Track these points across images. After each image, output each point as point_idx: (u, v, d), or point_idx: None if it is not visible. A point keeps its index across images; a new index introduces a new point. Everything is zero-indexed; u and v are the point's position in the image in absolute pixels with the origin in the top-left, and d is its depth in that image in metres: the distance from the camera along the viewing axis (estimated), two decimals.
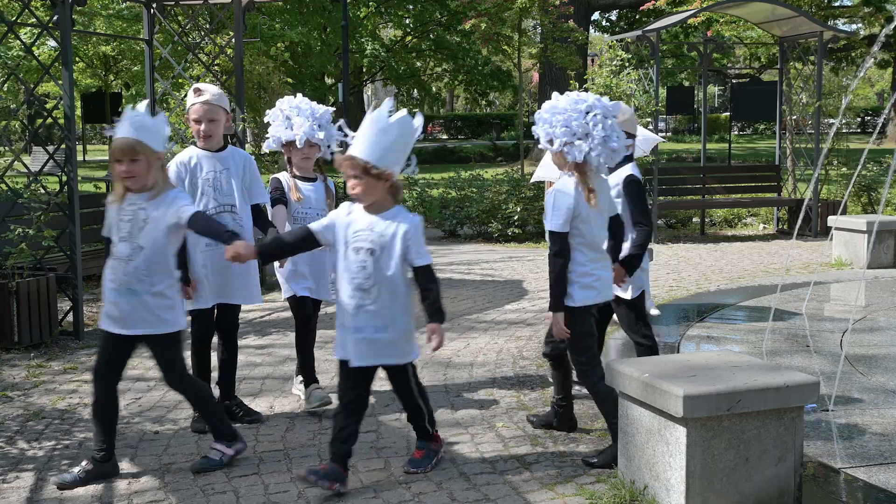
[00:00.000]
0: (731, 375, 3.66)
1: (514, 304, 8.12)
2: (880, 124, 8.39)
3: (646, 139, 7.55)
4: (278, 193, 5.04)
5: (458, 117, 49.56)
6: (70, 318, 6.92)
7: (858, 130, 38.35)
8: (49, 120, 7.56)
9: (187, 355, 4.35)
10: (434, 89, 43.53)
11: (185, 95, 5.63)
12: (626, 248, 4.70)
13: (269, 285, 8.71)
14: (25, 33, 22.01)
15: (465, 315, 7.65)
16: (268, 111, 5.17)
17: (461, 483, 4.03)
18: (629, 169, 4.79)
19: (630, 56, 12.55)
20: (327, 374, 5.51)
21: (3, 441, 4.64)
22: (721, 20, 20.42)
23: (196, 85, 4.88)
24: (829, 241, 10.45)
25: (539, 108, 4.40)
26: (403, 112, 3.84)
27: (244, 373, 5.72)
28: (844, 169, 13.76)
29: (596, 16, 33.39)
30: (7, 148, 7.40)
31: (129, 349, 4.09)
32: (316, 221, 4.08)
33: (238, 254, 3.87)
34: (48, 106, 8.17)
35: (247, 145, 10.86)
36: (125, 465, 4.26)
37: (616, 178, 4.74)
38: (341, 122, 4.88)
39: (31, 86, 7.61)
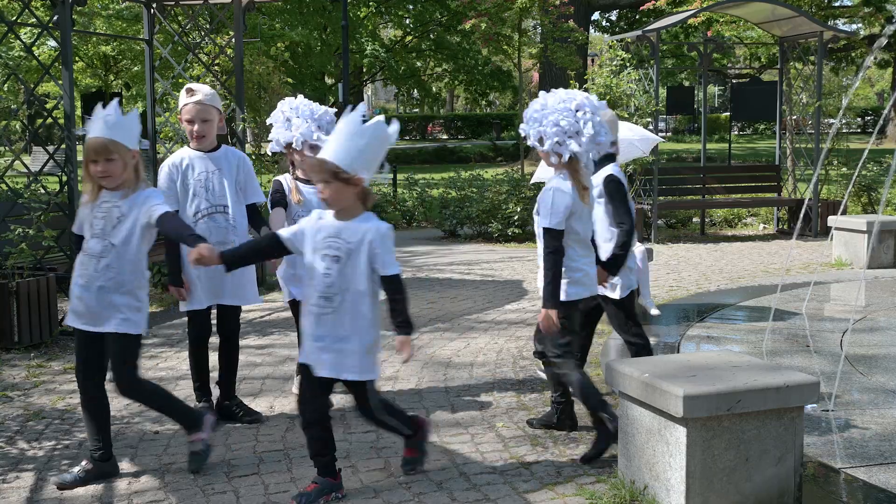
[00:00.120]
0: (731, 375, 3.66)
1: (514, 304, 8.12)
2: (880, 124, 8.38)
3: (645, 139, 7.56)
4: (279, 196, 5.02)
5: (458, 117, 49.56)
6: None
7: (858, 130, 38.35)
8: (49, 120, 7.57)
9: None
10: (434, 89, 43.52)
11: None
12: (609, 248, 4.76)
13: (268, 285, 8.72)
14: (25, 33, 22.01)
15: (465, 315, 7.65)
16: (273, 114, 5.15)
17: (461, 483, 4.03)
18: (610, 169, 4.86)
19: (630, 56, 12.55)
20: None
21: (3, 441, 4.64)
22: (721, 20, 20.42)
23: (188, 85, 4.86)
24: (829, 241, 10.45)
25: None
26: (380, 118, 3.79)
27: (244, 373, 5.72)
28: (844, 169, 13.76)
29: (596, 16, 33.40)
30: (7, 148, 7.41)
31: (102, 345, 4.04)
32: (286, 229, 3.95)
33: (201, 256, 3.74)
34: (48, 106, 8.17)
35: (247, 145, 10.86)
36: (125, 465, 4.26)
37: (597, 179, 4.78)
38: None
39: (32, 86, 7.61)
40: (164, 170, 4.82)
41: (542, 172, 5.80)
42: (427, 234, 13.75)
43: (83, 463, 4.11)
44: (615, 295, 4.90)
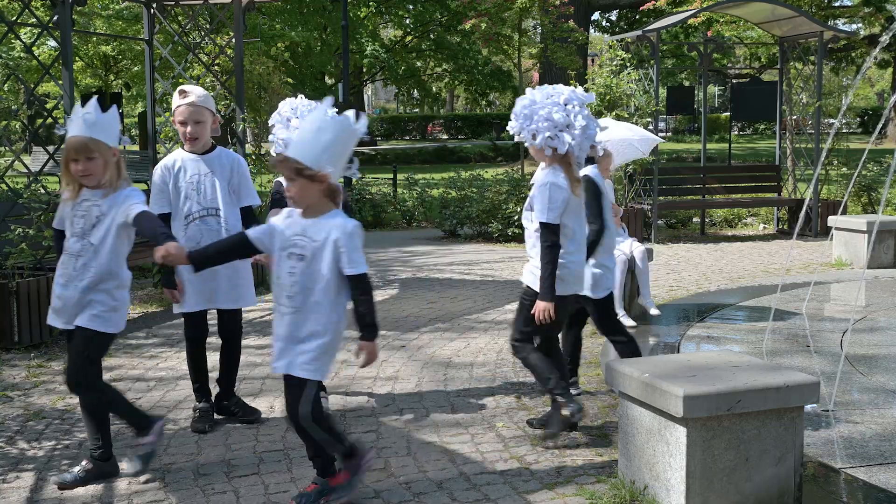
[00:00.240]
0: (731, 375, 3.66)
1: (515, 304, 8.09)
2: (880, 124, 8.37)
3: (645, 140, 7.56)
4: (278, 196, 5.01)
5: (458, 117, 49.55)
6: None
7: (859, 130, 38.35)
8: (49, 120, 7.56)
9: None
10: (434, 89, 43.52)
11: None
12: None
13: (269, 286, 8.72)
14: (25, 33, 22.01)
15: (465, 315, 7.65)
16: (273, 115, 5.13)
17: (461, 483, 4.03)
18: (588, 171, 4.99)
19: (630, 56, 12.55)
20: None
21: (3, 441, 4.64)
22: (721, 20, 20.43)
23: (181, 87, 4.83)
24: (829, 241, 10.45)
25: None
26: (347, 113, 3.73)
27: (244, 373, 5.72)
28: (844, 169, 13.76)
29: (596, 16, 33.42)
30: (7, 148, 7.41)
31: None
32: (255, 228, 3.85)
33: (168, 254, 3.66)
34: (48, 106, 8.17)
35: (247, 145, 10.86)
36: (125, 466, 4.25)
37: None
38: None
39: (32, 86, 7.61)
40: (156, 172, 4.80)
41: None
42: (427, 234, 13.75)
43: (83, 463, 4.11)
44: (594, 295, 4.93)
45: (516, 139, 4.52)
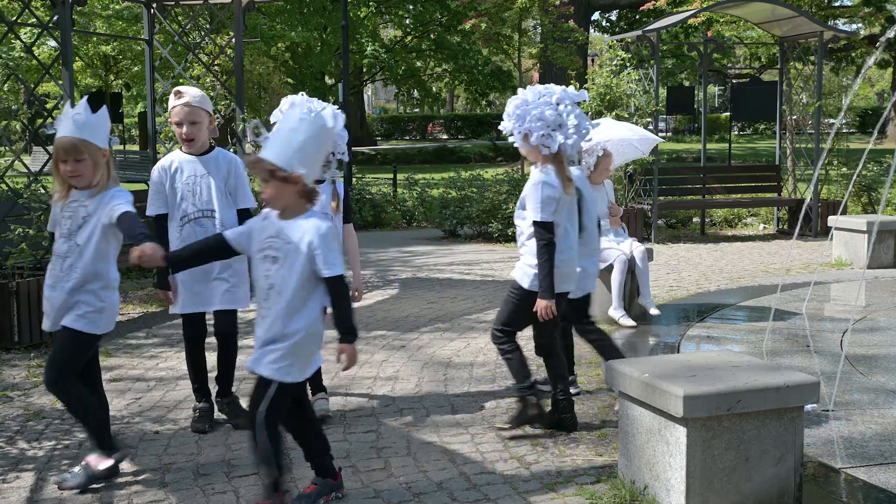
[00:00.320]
0: (731, 375, 3.66)
1: None
2: (880, 124, 8.37)
3: (645, 140, 7.55)
4: None
5: (458, 117, 49.57)
6: None
7: (854, 130, 38.34)
8: (49, 120, 7.56)
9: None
10: (434, 89, 43.52)
11: None
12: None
13: None
14: (25, 33, 22.01)
15: (465, 315, 7.65)
16: (275, 112, 5.12)
17: (461, 483, 4.03)
18: (572, 171, 4.99)
19: (630, 56, 12.55)
20: (328, 375, 5.50)
21: (3, 441, 4.64)
22: (721, 20, 20.43)
23: (177, 87, 4.82)
24: (829, 241, 10.45)
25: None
26: (326, 111, 3.67)
27: (245, 373, 5.71)
28: (844, 169, 13.76)
29: (596, 16, 33.43)
30: (7, 148, 7.41)
31: None
32: (233, 230, 3.81)
33: (143, 254, 3.60)
34: (48, 106, 8.17)
35: (247, 145, 10.85)
36: (125, 465, 4.25)
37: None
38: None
39: (32, 86, 7.61)
40: (154, 172, 4.79)
41: None
42: (427, 234, 13.75)
43: (83, 463, 4.10)
44: (572, 295, 4.96)
45: (509, 140, 4.59)
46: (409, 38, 36.65)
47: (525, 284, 4.56)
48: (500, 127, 4.61)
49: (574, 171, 5.03)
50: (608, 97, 12.07)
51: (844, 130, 13.91)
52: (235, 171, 4.81)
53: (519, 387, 4.64)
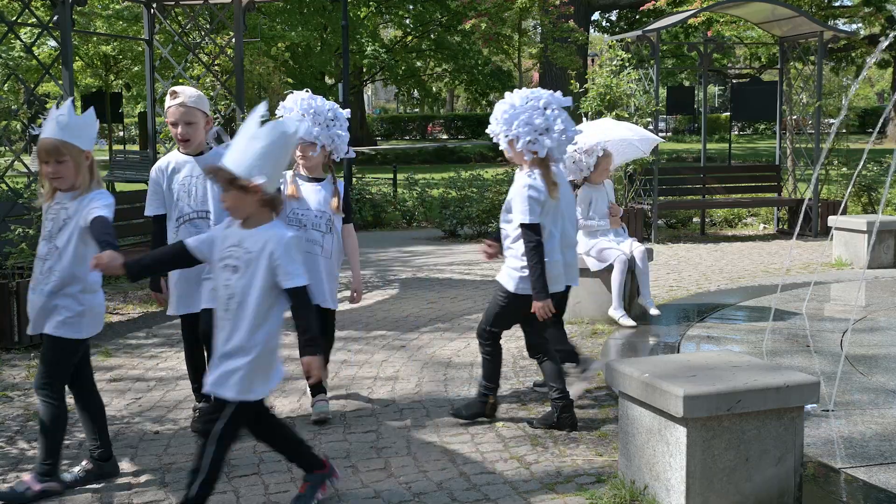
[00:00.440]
0: (731, 375, 3.66)
1: None
2: (880, 124, 8.37)
3: (645, 140, 7.56)
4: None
5: (458, 117, 49.56)
6: None
7: (853, 129, 38.33)
8: None
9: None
10: (434, 89, 43.55)
11: None
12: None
13: None
14: (25, 33, 22.01)
15: (465, 315, 7.65)
16: (277, 110, 5.10)
17: (461, 483, 4.03)
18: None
19: (630, 56, 12.55)
20: (329, 374, 5.51)
21: (3, 441, 4.64)
22: (721, 20, 20.44)
23: (173, 88, 4.81)
24: (829, 241, 10.45)
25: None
26: (287, 118, 3.60)
27: None
28: (844, 169, 13.76)
29: (596, 16, 33.42)
30: (7, 148, 7.41)
31: None
32: (195, 237, 3.73)
33: (101, 262, 3.51)
34: (48, 106, 8.17)
35: None
36: (125, 465, 4.26)
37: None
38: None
39: (32, 86, 7.61)
40: (152, 173, 4.79)
41: None
42: (427, 234, 13.75)
43: (83, 463, 4.11)
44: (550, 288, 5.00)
45: (499, 143, 4.65)
46: (409, 38, 36.66)
47: (511, 288, 4.64)
48: (487, 130, 4.64)
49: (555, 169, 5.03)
50: (608, 97, 12.07)
51: (844, 130, 13.82)
52: None
53: (485, 385, 4.81)
